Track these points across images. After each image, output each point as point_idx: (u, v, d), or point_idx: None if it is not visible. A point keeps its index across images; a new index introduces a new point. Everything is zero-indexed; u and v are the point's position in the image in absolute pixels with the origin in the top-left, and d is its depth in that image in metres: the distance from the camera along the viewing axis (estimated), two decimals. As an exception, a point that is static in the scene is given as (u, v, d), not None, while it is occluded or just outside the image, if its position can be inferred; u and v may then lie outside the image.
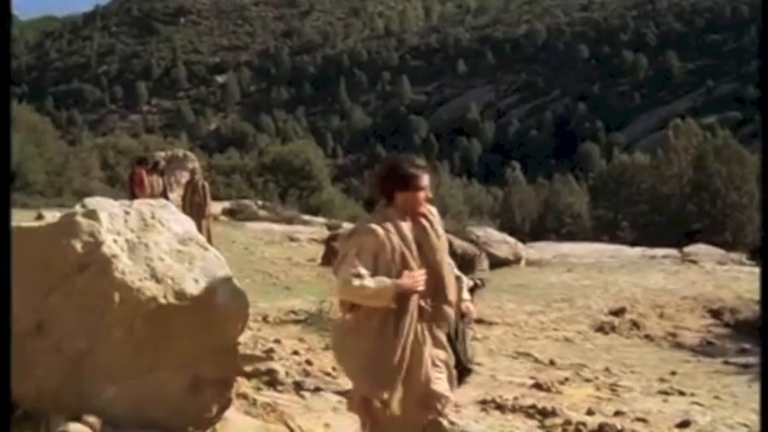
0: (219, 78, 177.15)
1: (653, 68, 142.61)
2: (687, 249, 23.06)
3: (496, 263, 20.16)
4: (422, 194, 4.99)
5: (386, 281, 4.81)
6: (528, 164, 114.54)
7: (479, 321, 14.23)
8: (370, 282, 4.78)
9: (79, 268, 5.31)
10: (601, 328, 15.36)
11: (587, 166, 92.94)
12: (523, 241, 25.31)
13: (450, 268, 5.32)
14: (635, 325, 15.61)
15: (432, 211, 5.14)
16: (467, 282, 5.59)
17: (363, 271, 4.80)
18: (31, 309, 5.34)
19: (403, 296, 4.89)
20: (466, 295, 5.74)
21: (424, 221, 5.06)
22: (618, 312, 16.12)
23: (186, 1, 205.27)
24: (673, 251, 23.04)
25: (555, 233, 42.51)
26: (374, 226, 4.93)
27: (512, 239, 22.01)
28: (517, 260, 20.79)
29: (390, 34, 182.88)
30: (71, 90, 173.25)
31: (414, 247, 4.95)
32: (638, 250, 24.04)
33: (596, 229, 44.78)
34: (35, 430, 5.14)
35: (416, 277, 4.89)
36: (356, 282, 4.78)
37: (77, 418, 5.14)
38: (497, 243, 20.86)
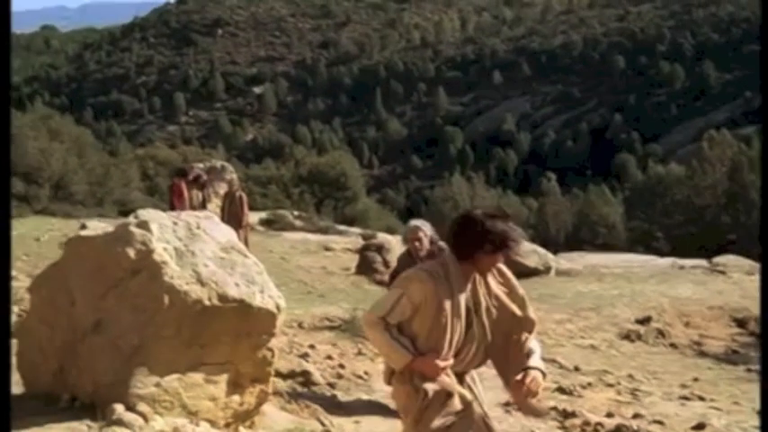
0: (256, 89, 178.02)
1: (690, 79, 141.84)
2: (717, 260, 23.25)
3: (526, 273, 20.61)
4: (495, 261, 4.46)
5: (405, 350, 4.41)
6: (564, 175, 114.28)
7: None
8: (389, 340, 4.42)
9: (132, 273, 5.88)
10: (627, 336, 15.67)
11: (623, 177, 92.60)
12: (555, 252, 25.64)
13: (518, 344, 4.55)
14: (660, 333, 15.92)
15: (505, 273, 4.62)
16: (537, 347, 4.61)
17: (393, 320, 4.43)
18: (89, 309, 5.92)
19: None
20: (535, 361, 4.52)
21: (490, 285, 4.52)
22: (644, 321, 16.41)
23: (224, 12, 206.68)
24: (702, 261, 23.25)
25: (589, 244, 42.50)
26: (427, 277, 4.43)
27: (542, 250, 22.37)
28: (547, 270, 21.14)
29: (426, 45, 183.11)
30: (110, 101, 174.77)
31: (463, 316, 4.42)
32: (667, 260, 24.29)
33: (631, 240, 44.74)
34: (93, 419, 5.69)
35: (439, 366, 4.40)
36: (379, 330, 4.45)
37: (131, 408, 5.70)
38: (527, 253, 21.20)
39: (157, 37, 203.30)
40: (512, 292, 4.58)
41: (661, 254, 30.55)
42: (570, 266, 22.48)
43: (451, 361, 4.42)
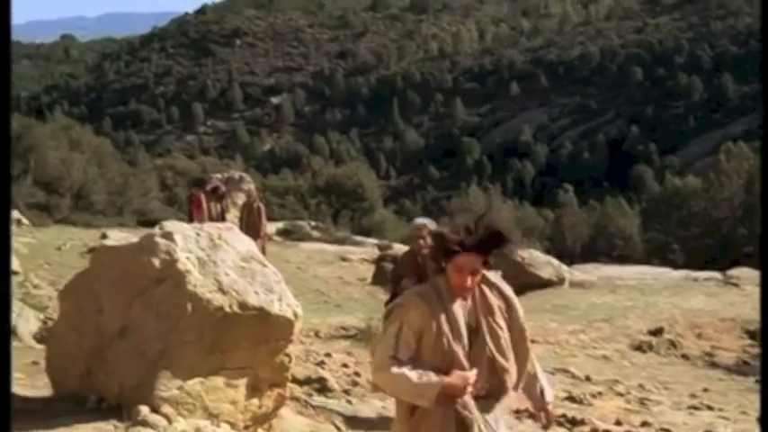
0: (274, 99, 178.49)
1: (708, 91, 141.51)
2: (730, 272, 23.36)
3: (540, 284, 20.86)
4: (462, 275, 4.02)
5: (431, 376, 3.94)
6: (581, 186, 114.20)
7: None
8: (410, 373, 3.94)
9: (157, 281, 6.19)
10: (639, 347, 15.85)
11: (641, 189, 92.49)
12: (571, 263, 25.81)
13: (528, 364, 4.32)
14: (672, 344, 16.09)
15: (499, 286, 4.24)
16: (544, 382, 4.48)
17: (404, 354, 4.00)
18: (116, 316, 6.23)
19: (447, 398, 3.99)
20: (549, 396, 4.43)
21: (487, 300, 4.16)
22: (656, 332, 16.58)
23: (242, 23, 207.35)
24: (716, 274, 23.36)
25: (606, 256, 42.53)
26: (420, 301, 4.08)
27: (556, 261, 22.56)
28: (561, 281, 21.33)
29: (444, 56, 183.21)
30: (129, 111, 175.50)
31: (464, 336, 4.07)
32: (681, 272, 24.44)
33: (647, 252, 44.77)
34: (119, 420, 5.98)
35: (469, 378, 3.98)
36: (394, 370, 3.96)
37: (155, 410, 5.99)
38: (541, 264, 21.46)
39: (176, 47, 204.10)
40: (511, 318, 4.21)
41: (677, 266, 30.62)
42: (584, 278, 22.66)
43: (476, 372, 3.99)
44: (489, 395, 4.11)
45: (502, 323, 4.15)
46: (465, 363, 4.01)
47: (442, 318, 4.02)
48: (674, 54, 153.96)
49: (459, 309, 4.07)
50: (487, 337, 4.09)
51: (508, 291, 4.26)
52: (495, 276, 4.25)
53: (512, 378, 4.16)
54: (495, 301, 4.18)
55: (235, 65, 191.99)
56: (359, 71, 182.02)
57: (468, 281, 4.02)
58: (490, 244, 4.04)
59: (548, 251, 33.30)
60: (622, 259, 38.90)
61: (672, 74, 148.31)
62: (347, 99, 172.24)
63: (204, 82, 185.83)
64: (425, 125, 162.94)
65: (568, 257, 34.03)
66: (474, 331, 4.09)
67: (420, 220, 8.76)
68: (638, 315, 17.99)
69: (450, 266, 4.02)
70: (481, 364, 4.05)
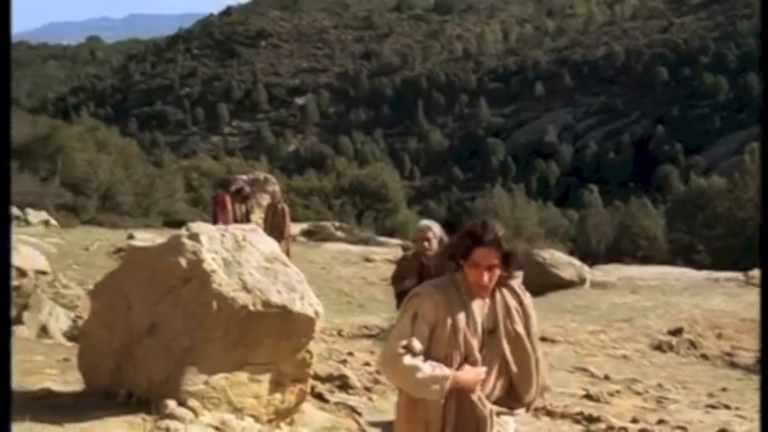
0: (299, 100, 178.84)
1: (733, 91, 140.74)
2: (752, 273, 23.41)
3: (561, 284, 21.04)
4: (479, 271, 3.98)
5: (443, 369, 3.90)
6: (606, 187, 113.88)
7: (542, 339, 14.99)
8: (423, 364, 3.89)
9: (184, 281, 6.45)
10: (658, 347, 15.96)
11: (666, 189, 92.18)
12: (593, 264, 25.93)
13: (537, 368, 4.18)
14: (692, 344, 16.19)
15: (518, 292, 4.18)
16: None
17: (417, 345, 3.93)
18: (145, 314, 6.49)
19: (459, 395, 3.98)
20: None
21: (507, 303, 4.11)
22: (676, 332, 16.68)
23: (267, 24, 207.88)
24: (737, 274, 23.38)
25: (630, 256, 42.52)
26: (436, 291, 4.03)
27: (577, 262, 22.71)
28: (582, 282, 21.48)
29: (468, 57, 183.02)
30: (154, 112, 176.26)
31: (479, 333, 4.02)
32: (703, 273, 24.51)
33: (672, 252, 44.71)
34: (147, 413, 6.24)
35: (479, 372, 3.98)
36: (406, 360, 3.89)
37: (182, 404, 6.25)
38: (563, 265, 21.63)
39: (201, 48, 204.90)
40: (526, 314, 4.16)
41: (701, 266, 30.62)
42: (605, 279, 22.79)
43: (485, 369, 3.98)
44: (500, 399, 4.08)
45: (520, 329, 4.09)
46: (479, 358, 3.98)
47: (459, 311, 3.98)
48: (699, 54, 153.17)
49: (477, 307, 4.03)
50: (504, 340, 4.05)
51: (526, 299, 4.18)
52: (516, 283, 4.19)
53: (525, 386, 4.10)
54: (514, 304, 4.11)
55: (260, 66, 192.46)
56: (383, 72, 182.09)
57: (485, 276, 3.97)
58: (502, 237, 4.00)
59: (571, 252, 33.43)
60: (647, 260, 38.87)
61: (697, 74, 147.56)
62: (372, 100, 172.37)
63: (229, 83, 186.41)
64: (450, 126, 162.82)
65: (592, 258, 34.11)
66: (491, 332, 4.04)
67: (425, 222, 8.77)
68: (658, 315, 18.09)
69: (467, 264, 3.99)
70: (494, 366, 4.03)
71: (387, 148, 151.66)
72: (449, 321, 3.96)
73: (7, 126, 3.72)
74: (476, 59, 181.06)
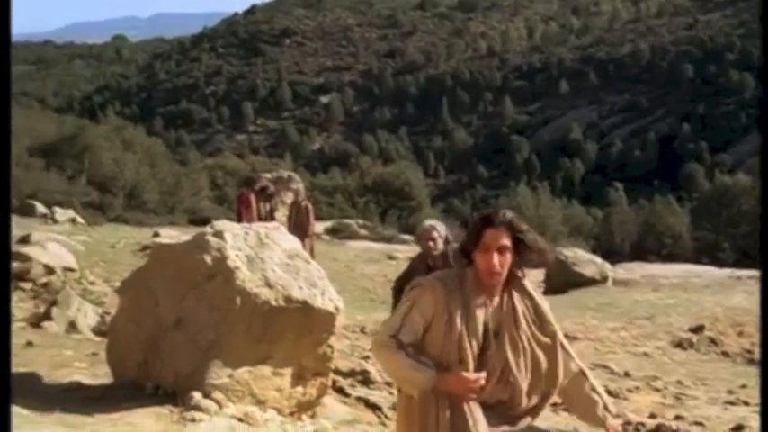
0: (323, 99, 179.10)
1: (759, 88, 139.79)
2: (776, 271, 23.37)
3: (583, 282, 21.13)
4: (489, 254, 3.81)
5: (427, 369, 3.76)
6: (631, 185, 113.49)
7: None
8: (405, 359, 3.77)
9: (209, 277, 6.67)
10: (679, 344, 16.00)
11: (691, 187, 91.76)
12: (615, 262, 25.99)
13: (571, 363, 4.05)
14: (713, 342, 16.24)
15: (530, 291, 4.00)
16: (603, 396, 4.05)
17: (406, 338, 3.82)
18: (171, 308, 6.71)
19: (454, 398, 3.81)
20: (613, 408, 4.08)
21: (516, 307, 3.92)
22: (697, 330, 16.72)
23: (291, 23, 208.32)
24: (760, 272, 23.38)
25: (655, 254, 42.43)
26: (439, 286, 3.89)
27: (599, 260, 22.77)
28: (604, 280, 21.56)
29: (493, 54, 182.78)
30: (179, 110, 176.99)
31: (479, 335, 3.84)
32: (725, 271, 24.52)
33: (697, 250, 44.57)
34: (174, 405, 6.46)
35: (471, 382, 3.77)
36: (391, 351, 3.82)
37: (207, 396, 6.46)
38: (585, 263, 21.71)
39: (226, 47, 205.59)
40: (542, 325, 3.98)
41: (726, 264, 30.58)
42: (628, 276, 22.86)
43: (484, 376, 3.79)
44: (501, 406, 3.90)
45: (525, 337, 3.90)
46: (471, 363, 3.80)
47: (458, 309, 3.80)
48: (725, 51, 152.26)
49: (481, 306, 3.86)
50: (507, 346, 3.86)
51: (539, 297, 4.01)
52: (528, 283, 4.01)
53: (523, 395, 3.89)
54: (523, 308, 3.94)
55: (284, 64, 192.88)
56: (408, 70, 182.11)
57: (496, 259, 3.78)
58: (514, 220, 3.86)
59: (594, 250, 33.44)
60: (671, 258, 38.77)
61: (723, 71, 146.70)
62: (396, 98, 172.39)
63: (254, 81, 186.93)
64: (474, 124, 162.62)
65: (617, 256, 34.12)
66: (495, 335, 3.86)
67: (429, 222, 8.50)
68: (679, 313, 18.12)
69: (477, 251, 3.83)
70: (494, 372, 3.84)
71: (411, 146, 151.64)
72: (445, 318, 3.80)
73: (7, 125, 3.72)
74: (500, 57, 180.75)
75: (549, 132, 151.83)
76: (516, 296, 3.96)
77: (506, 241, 3.82)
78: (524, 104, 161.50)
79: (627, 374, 13.04)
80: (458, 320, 3.81)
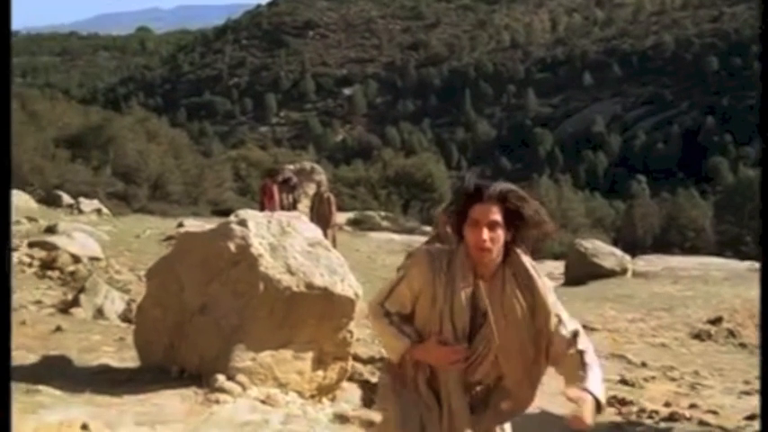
0: (346, 90, 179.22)
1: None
2: (796, 263, 23.39)
3: (603, 274, 21.26)
4: (478, 229, 3.59)
5: (404, 336, 3.69)
6: (654, 177, 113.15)
7: (581, 327, 15.26)
8: (387, 326, 3.72)
9: (233, 263, 6.92)
10: (697, 336, 16.09)
11: (716, 181, 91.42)
12: (635, 254, 26.06)
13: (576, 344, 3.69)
14: (731, 333, 16.32)
15: (529, 270, 3.71)
16: (592, 357, 3.72)
17: (392, 307, 3.76)
18: (196, 294, 6.96)
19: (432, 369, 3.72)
20: (591, 385, 3.59)
21: (504, 283, 3.66)
22: (715, 321, 16.80)
23: (315, 14, 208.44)
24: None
25: (678, 247, 42.40)
26: (427, 260, 3.74)
27: (619, 252, 22.87)
28: (623, 272, 21.67)
29: (516, 46, 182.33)
30: (203, 102, 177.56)
31: (464, 313, 3.63)
32: (745, 264, 24.53)
33: (720, 243, 44.48)
34: (199, 387, 6.71)
35: (444, 354, 3.63)
36: (376, 317, 3.80)
37: (231, 378, 6.71)
38: (604, 255, 21.83)
39: (249, 39, 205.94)
40: (537, 305, 3.68)
41: (749, 258, 30.55)
42: (648, 268, 22.96)
43: (464, 348, 3.62)
44: (491, 391, 3.75)
45: (514, 318, 3.65)
46: (452, 342, 3.65)
47: (441, 287, 3.65)
48: (750, 43, 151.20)
49: (470, 285, 3.65)
50: (495, 326, 3.64)
51: (538, 276, 3.71)
52: (527, 260, 3.72)
53: (511, 378, 3.71)
54: (515, 288, 3.67)
55: (307, 56, 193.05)
56: (431, 62, 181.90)
57: (485, 234, 3.55)
58: (506, 192, 3.63)
59: (615, 242, 33.49)
60: (694, 251, 38.73)
61: (748, 63, 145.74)
62: (419, 90, 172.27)
63: (277, 73, 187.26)
64: (497, 116, 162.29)
65: (640, 249, 34.14)
66: (483, 315, 3.65)
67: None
68: (698, 305, 18.20)
69: (467, 226, 3.62)
70: (481, 352, 3.67)
71: (434, 138, 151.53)
72: (429, 293, 3.66)
73: (7, 126, 3.84)
74: (524, 49, 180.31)
75: (573, 125, 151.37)
76: (510, 274, 3.69)
77: (497, 216, 3.59)
78: (548, 97, 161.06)
79: (644, 364, 13.15)
80: (439, 297, 3.65)
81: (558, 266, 24.76)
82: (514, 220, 3.64)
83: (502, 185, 3.66)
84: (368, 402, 7.62)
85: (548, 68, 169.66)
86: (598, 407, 3.57)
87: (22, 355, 8.01)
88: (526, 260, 3.72)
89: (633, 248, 31.22)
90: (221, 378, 6.68)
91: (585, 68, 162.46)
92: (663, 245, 42.36)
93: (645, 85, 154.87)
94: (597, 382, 3.64)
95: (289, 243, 7.08)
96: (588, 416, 3.47)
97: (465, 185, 3.72)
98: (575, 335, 3.76)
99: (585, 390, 3.55)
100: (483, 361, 3.68)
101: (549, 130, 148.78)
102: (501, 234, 3.61)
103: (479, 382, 3.73)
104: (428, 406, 3.70)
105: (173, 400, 6.52)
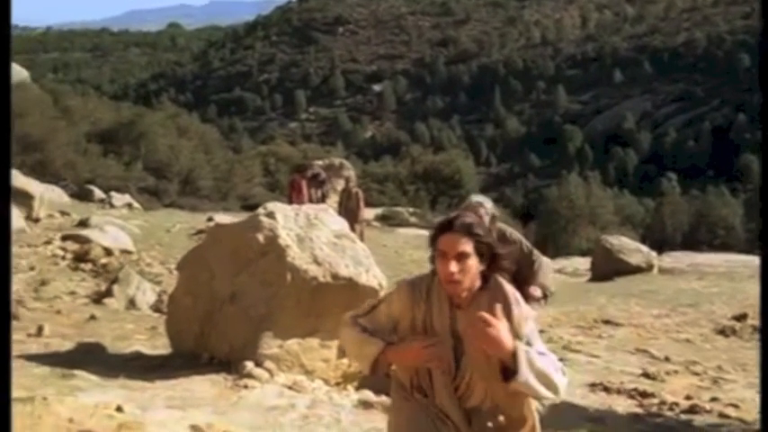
0: (376, 87, 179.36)
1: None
2: (824, 261, 23.34)
3: (629, 270, 21.34)
4: (446, 261, 3.44)
5: (375, 341, 3.58)
6: (685, 175, 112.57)
7: (606, 322, 15.40)
8: (358, 334, 3.65)
9: (261, 254, 7.17)
10: (722, 332, 16.11)
11: (747, 178, 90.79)
12: (660, 251, 26.08)
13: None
14: (756, 329, 16.38)
15: (507, 296, 3.53)
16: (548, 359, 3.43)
17: (367, 323, 3.68)
18: (226, 284, 7.22)
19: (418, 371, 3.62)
20: (522, 367, 3.29)
21: (479, 308, 3.40)
22: (740, 317, 16.81)
23: (344, 11, 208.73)
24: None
25: (707, 245, 42.22)
26: (407, 290, 3.64)
27: (645, 248, 22.92)
28: (649, 268, 21.72)
29: (546, 43, 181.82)
30: (233, 98, 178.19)
31: (445, 339, 3.52)
32: (772, 261, 24.53)
33: (750, 241, 44.26)
34: (228, 374, 6.96)
35: (417, 349, 3.50)
36: (346, 327, 3.76)
37: (259, 365, 6.96)
38: (630, 251, 21.89)
39: (279, 35, 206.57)
40: (511, 330, 3.40)
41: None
42: (674, 265, 22.99)
43: (436, 339, 3.51)
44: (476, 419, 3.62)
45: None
46: (428, 377, 3.59)
47: (420, 315, 3.58)
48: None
49: (448, 312, 3.55)
50: (472, 353, 3.51)
51: (513, 300, 3.55)
52: (506, 285, 3.60)
53: (501, 402, 3.58)
54: (484, 313, 3.36)
55: (337, 52, 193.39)
56: (460, 58, 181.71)
57: (453, 267, 3.43)
58: (470, 224, 3.53)
59: (643, 239, 33.46)
60: (723, 249, 38.60)
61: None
62: (448, 86, 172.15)
63: (307, 69, 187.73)
64: (527, 113, 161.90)
65: (669, 246, 34.09)
66: (458, 340, 3.54)
67: (476, 198, 7.82)
68: (723, 301, 18.22)
69: (437, 257, 3.52)
70: (468, 380, 3.56)
71: (463, 134, 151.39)
72: (408, 318, 3.58)
73: (7, 125, 3.85)
74: (554, 46, 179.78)
75: (603, 122, 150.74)
76: (487, 301, 3.51)
77: (465, 247, 3.47)
78: (577, 93, 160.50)
79: (667, 359, 13.22)
80: (419, 326, 3.57)
81: (584, 263, 24.88)
82: (487, 250, 3.54)
83: (470, 217, 3.60)
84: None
85: (578, 65, 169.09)
86: (515, 366, 3.32)
87: (58, 342, 8.31)
88: (506, 287, 3.59)
89: (662, 246, 31.19)
90: (250, 364, 6.93)
91: (616, 65, 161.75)
92: (692, 243, 42.16)
93: (676, 83, 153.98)
94: (534, 358, 3.39)
95: (315, 235, 7.33)
96: (495, 339, 3.29)
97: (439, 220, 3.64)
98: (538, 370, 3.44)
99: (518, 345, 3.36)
100: (474, 387, 3.57)
101: (579, 127, 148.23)
102: (472, 264, 3.49)
103: (478, 409, 3.60)
104: (441, 418, 3.61)
105: (203, 385, 6.77)
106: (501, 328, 3.31)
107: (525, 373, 3.33)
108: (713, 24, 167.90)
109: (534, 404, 3.70)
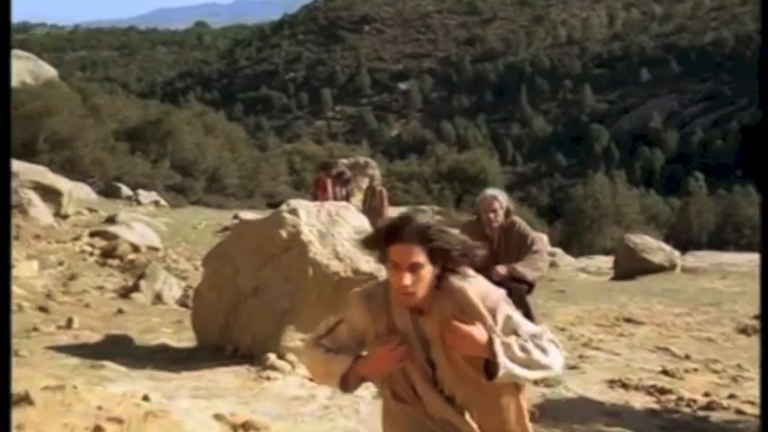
0: (402, 85, 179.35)
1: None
2: None
3: (652, 269, 21.37)
4: (398, 272, 3.22)
5: (342, 357, 3.38)
6: (712, 174, 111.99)
7: (627, 320, 15.47)
8: (323, 354, 3.43)
9: (284, 249, 7.39)
10: (743, 330, 16.13)
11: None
12: (685, 250, 26.07)
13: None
14: (780, 328, 16.38)
15: (461, 289, 3.34)
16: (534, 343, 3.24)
17: (329, 343, 3.45)
18: (250, 278, 7.42)
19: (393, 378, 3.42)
20: (498, 354, 3.16)
21: (442, 309, 3.29)
22: (763, 317, 16.85)
23: (371, 9, 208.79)
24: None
25: (733, 244, 42.05)
26: (361, 300, 3.45)
27: (667, 247, 22.90)
28: (672, 267, 21.72)
29: (573, 42, 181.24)
30: (259, 96, 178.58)
31: (416, 349, 3.33)
32: (797, 261, 24.46)
33: (778, 242, 43.98)
34: (251, 365, 7.16)
35: (383, 353, 3.31)
36: (310, 349, 3.53)
37: (281, 357, 7.16)
38: (653, 250, 21.91)
39: (306, 34, 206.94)
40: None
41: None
42: (697, 264, 22.98)
43: (398, 337, 3.31)
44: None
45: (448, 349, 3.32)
46: (409, 388, 3.40)
47: (382, 326, 3.37)
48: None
49: (409, 320, 3.35)
50: (439, 358, 3.35)
51: (472, 295, 3.36)
52: (462, 282, 3.38)
53: (467, 410, 3.42)
54: (449, 313, 3.30)
55: (363, 51, 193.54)
56: (487, 57, 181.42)
57: (406, 279, 3.21)
58: (425, 229, 3.27)
59: (667, 239, 33.41)
60: (750, 248, 38.40)
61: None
62: (475, 85, 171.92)
63: (333, 68, 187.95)
64: (553, 112, 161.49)
65: (694, 246, 34.01)
66: (430, 344, 3.36)
67: (490, 192, 7.94)
68: (746, 300, 18.17)
69: (388, 267, 3.29)
70: (452, 382, 3.38)
71: (489, 133, 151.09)
72: (373, 332, 3.38)
73: (7, 125, 3.87)
74: (580, 45, 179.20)
75: (629, 121, 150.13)
76: (447, 301, 3.34)
77: (418, 258, 3.24)
78: (604, 92, 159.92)
79: (687, 357, 13.28)
80: (384, 335, 3.37)
81: (607, 261, 24.91)
82: (442, 254, 3.31)
83: (422, 219, 3.32)
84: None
85: (605, 64, 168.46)
86: (492, 353, 3.24)
87: (86, 335, 8.55)
88: (464, 285, 3.37)
89: (687, 245, 31.11)
90: (272, 357, 7.14)
91: (643, 64, 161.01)
92: (718, 242, 41.94)
93: (703, 82, 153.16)
94: (512, 343, 3.28)
95: (337, 231, 7.52)
96: (469, 339, 3.23)
97: (380, 225, 3.42)
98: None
99: (495, 335, 3.27)
100: (455, 389, 3.38)
101: (606, 126, 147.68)
102: (426, 273, 3.27)
103: (470, 411, 3.44)
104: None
105: (227, 377, 6.98)
106: (471, 329, 3.23)
107: (505, 364, 3.23)
108: (741, 23, 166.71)
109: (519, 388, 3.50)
